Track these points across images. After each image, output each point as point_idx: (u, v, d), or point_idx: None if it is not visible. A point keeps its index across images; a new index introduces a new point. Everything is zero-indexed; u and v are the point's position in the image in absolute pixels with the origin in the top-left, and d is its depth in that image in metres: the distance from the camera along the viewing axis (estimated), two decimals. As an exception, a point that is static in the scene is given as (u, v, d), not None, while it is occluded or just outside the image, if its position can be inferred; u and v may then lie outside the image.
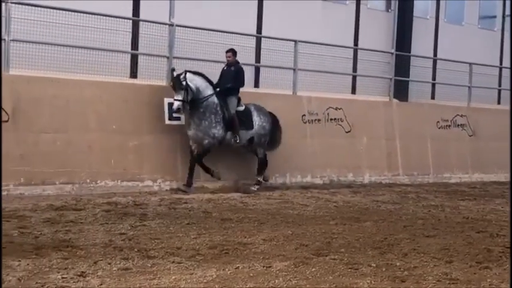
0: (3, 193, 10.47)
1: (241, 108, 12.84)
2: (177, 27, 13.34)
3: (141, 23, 14.24)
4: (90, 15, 12.58)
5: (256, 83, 16.48)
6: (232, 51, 12.86)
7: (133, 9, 14.60)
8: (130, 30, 14.29)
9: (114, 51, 13.20)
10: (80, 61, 12.47)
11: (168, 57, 13.21)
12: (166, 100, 12.68)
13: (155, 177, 12.41)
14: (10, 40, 11.12)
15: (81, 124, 11.60)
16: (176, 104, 11.89)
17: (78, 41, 12.64)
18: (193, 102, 12.13)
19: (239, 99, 12.81)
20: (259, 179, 13.13)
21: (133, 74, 14.18)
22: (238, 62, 12.91)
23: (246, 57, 14.89)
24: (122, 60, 13.66)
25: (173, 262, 6.92)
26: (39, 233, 8.03)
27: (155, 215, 9.73)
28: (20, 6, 11.57)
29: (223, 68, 12.93)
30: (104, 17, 12.78)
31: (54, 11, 12.14)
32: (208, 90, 12.35)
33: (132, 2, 14.62)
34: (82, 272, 6.37)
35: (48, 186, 11.13)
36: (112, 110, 11.98)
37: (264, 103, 13.56)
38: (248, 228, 8.98)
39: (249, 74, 15.49)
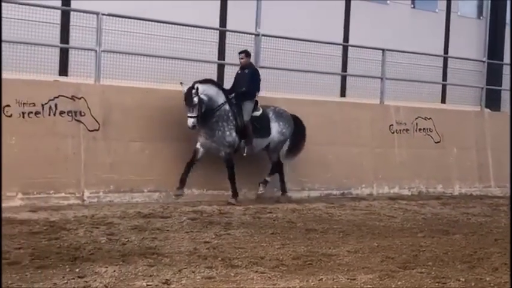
0: (93, 200, 10.79)
1: (258, 113, 11.98)
2: (262, 37, 13.37)
3: (227, 33, 14.35)
4: (178, 26, 12.76)
5: (342, 92, 16.33)
6: (246, 53, 12.02)
7: (220, 20, 14.74)
8: (217, 40, 14.42)
9: (200, 62, 13.33)
10: (167, 71, 12.67)
11: (254, 67, 13.25)
12: (251, 110, 12.73)
13: (240, 186, 12.42)
14: (101, 51, 11.41)
15: (166, 133, 11.75)
16: (190, 122, 11.02)
17: (166, 51, 12.85)
18: (205, 112, 11.31)
19: (256, 104, 11.96)
20: (266, 178, 12.31)
21: (221, 83, 14.27)
22: (252, 64, 12.21)
23: (332, 66, 14.79)
24: (208, 70, 13.78)
25: (256, 272, 6.89)
26: (126, 240, 8.17)
27: (240, 224, 9.75)
28: (111, 18, 11.84)
29: (238, 72, 12.14)
30: (191, 28, 12.94)
31: (143, 22, 12.38)
32: (220, 98, 11.57)
33: (219, 13, 14.76)
34: (166, 279, 6.43)
35: (136, 194, 11.34)
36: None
37: (350, 112, 13.39)
38: (333, 239, 8.86)
39: (335, 83, 15.38)
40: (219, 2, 14.65)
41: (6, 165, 10.04)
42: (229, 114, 11.58)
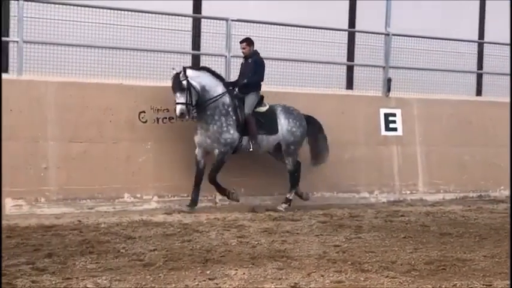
0: (225, 202, 10.94)
1: (264, 108, 10.80)
2: (393, 36, 13.12)
3: (357, 33, 14.19)
4: (305, 29, 12.75)
5: (478, 90, 15.70)
6: (247, 41, 10.80)
7: (349, 21, 14.59)
8: (346, 41, 14.28)
9: (330, 63, 13.25)
10: (296, 74, 12.69)
11: (384, 67, 13.04)
12: (382, 111, 12.52)
13: (372, 189, 12.27)
14: (231, 56, 11.59)
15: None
16: (178, 108, 10.00)
17: (295, 54, 12.87)
18: (200, 104, 10.28)
19: (261, 98, 10.83)
20: (288, 196, 11.07)
21: (349, 85, 14.14)
22: (257, 53, 10.91)
23: (468, 63, 14.29)
24: (337, 72, 13.67)
25: (387, 277, 6.72)
26: (256, 242, 8.23)
27: (371, 227, 9.58)
28: (240, 23, 12.00)
29: (242, 63, 11.07)
30: (320, 30, 12.88)
31: (269, 26, 12.46)
32: (219, 89, 10.43)
33: (348, 14, 14.61)
34: (295, 283, 6.39)
35: (266, 197, 11.42)
36: (328, 121, 12.02)
37: (486, 111, 12.87)
38: (468, 244, 8.52)
39: (470, 81, 14.83)
40: (347, 2, 14.49)
41: (143, 169, 10.44)
42: (229, 109, 10.43)
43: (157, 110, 10.79)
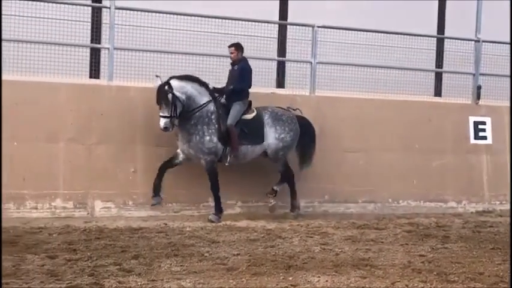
0: (308, 209, 10.92)
1: (250, 116, 10.21)
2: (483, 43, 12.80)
3: (446, 40, 13.90)
4: (395, 35, 12.61)
5: None
6: (236, 46, 10.24)
7: (438, 27, 14.33)
8: (435, 48, 14.02)
9: (417, 70, 13.04)
10: (381, 81, 12.54)
11: (473, 74, 12.73)
12: (472, 118, 12.23)
13: (460, 198, 11.99)
14: (316, 63, 11.58)
15: (382, 143, 11.63)
16: (162, 122, 9.60)
17: (381, 61, 12.73)
18: (184, 113, 9.84)
19: (249, 105, 10.28)
20: (274, 187, 10.47)
21: (438, 92, 13.86)
22: (245, 59, 10.34)
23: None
24: (425, 79, 13.43)
25: (474, 288, 6.56)
26: (339, 250, 8.17)
27: (458, 237, 9.35)
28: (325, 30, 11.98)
29: (229, 69, 10.48)
30: (407, 36, 12.69)
31: (354, 32, 12.38)
32: (204, 97, 9.99)
33: (436, 20, 14.35)
34: (379, 292, 6.32)
35: (350, 205, 11.34)
36: (414, 129, 11.84)
37: None
38: (561, 257, 8.19)
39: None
40: (436, 6, 14.23)
41: (227, 175, 10.51)
42: (212, 116, 9.98)
43: (243, 116, 10.83)
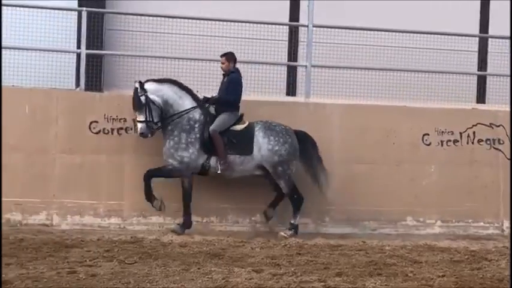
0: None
1: (240, 127, 9.54)
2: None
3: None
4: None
5: None
6: (227, 56, 9.61)
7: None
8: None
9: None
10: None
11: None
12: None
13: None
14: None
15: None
16: (138, 127, 9.21)
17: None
18: (164, 119, 9.35)
19: (240, 117, 9.59)
20: (292, 221, 9.65)
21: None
22: (237, 70, 9.67)
23: None
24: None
25: None
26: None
27: None
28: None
29: (222, 80, 9.85)
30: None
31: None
32: (186, 103, 9.42)
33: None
34: None
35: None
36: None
37: None
38: None
39: None
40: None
41: (426, 193, 10.25)
42: (195, 125, 9.39)
43: (442, 132, 10.56)
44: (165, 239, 8.94)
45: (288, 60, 11.60)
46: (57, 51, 10.50)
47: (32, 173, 9.55)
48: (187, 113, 9.40)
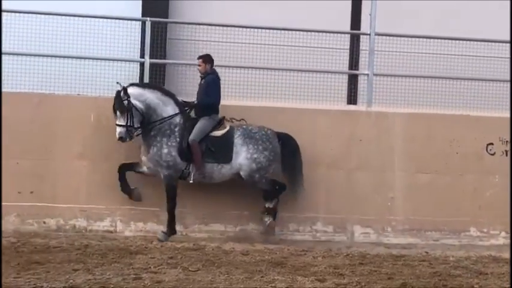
0: None
1: (220, 132, 9.39)
2: None
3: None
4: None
5: None
6: (204, 58, 9.51)
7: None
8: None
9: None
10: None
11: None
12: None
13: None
14: None
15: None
16: (117, 131, 9.10)
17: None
18: (146, 125, 9.29)
19: (220, 121, 9.46)
20: (267, 205, 9.45)
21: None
22: (214, 72, 9.53)
23: None
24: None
25: None
26: None
27: None
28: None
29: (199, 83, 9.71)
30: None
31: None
32: (169, 108, 9.34)
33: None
34: None
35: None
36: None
37: None
38: None
39: None
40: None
41: (490, 203, 10.08)
42: (176, 129, 9.32)
43: (507, 142, 10.36)
44: (227, 246, 9.00)
45: (349, 69, 11.55)
46: (122, 60, 10.72)
47: (96, 180, 9.73)
48: (171, 118, 9.36)
